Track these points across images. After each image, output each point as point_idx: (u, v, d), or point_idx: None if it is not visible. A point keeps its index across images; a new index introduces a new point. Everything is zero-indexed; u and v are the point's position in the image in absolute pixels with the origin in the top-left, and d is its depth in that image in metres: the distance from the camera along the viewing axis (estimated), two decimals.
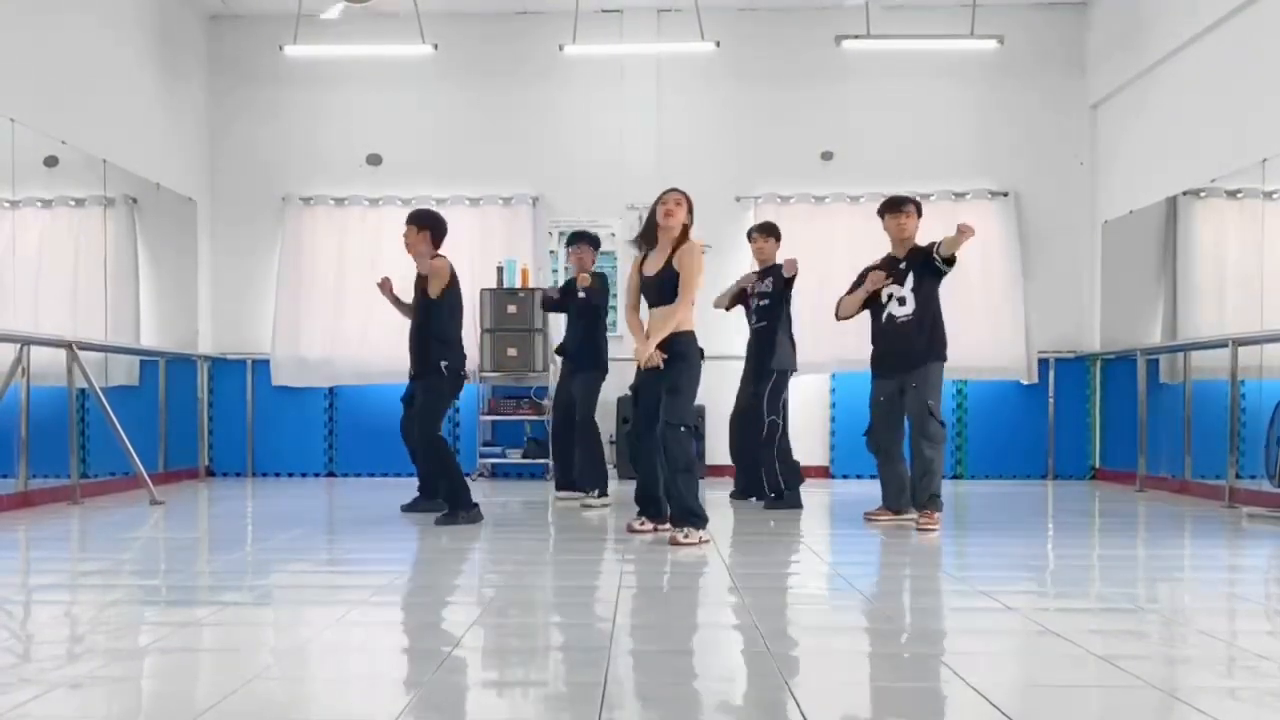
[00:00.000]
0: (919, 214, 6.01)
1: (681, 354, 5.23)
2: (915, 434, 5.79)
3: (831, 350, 8.97)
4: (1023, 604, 3.68)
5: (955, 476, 9.35)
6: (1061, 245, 9.50)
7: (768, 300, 6.79)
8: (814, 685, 2.68)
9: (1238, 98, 7.23)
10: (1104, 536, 5.84)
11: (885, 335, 5.93)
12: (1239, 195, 7.35)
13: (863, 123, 9.53)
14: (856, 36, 8.42)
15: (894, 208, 5.98)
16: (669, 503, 5.32)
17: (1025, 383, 9.32)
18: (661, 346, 5.21)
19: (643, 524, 5.54)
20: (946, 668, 2.79)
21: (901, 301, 5.86)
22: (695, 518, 5.17)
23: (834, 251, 9.16)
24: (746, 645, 3.06)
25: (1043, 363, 9.39)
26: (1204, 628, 3.34)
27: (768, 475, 6.73)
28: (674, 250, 5.26)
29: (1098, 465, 9.38)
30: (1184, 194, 7.92)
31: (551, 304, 7.51)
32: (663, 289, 5.27)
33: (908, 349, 5.83)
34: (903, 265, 5.91)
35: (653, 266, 5.35)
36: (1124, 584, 4.24)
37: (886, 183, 9.34)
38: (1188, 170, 7.81)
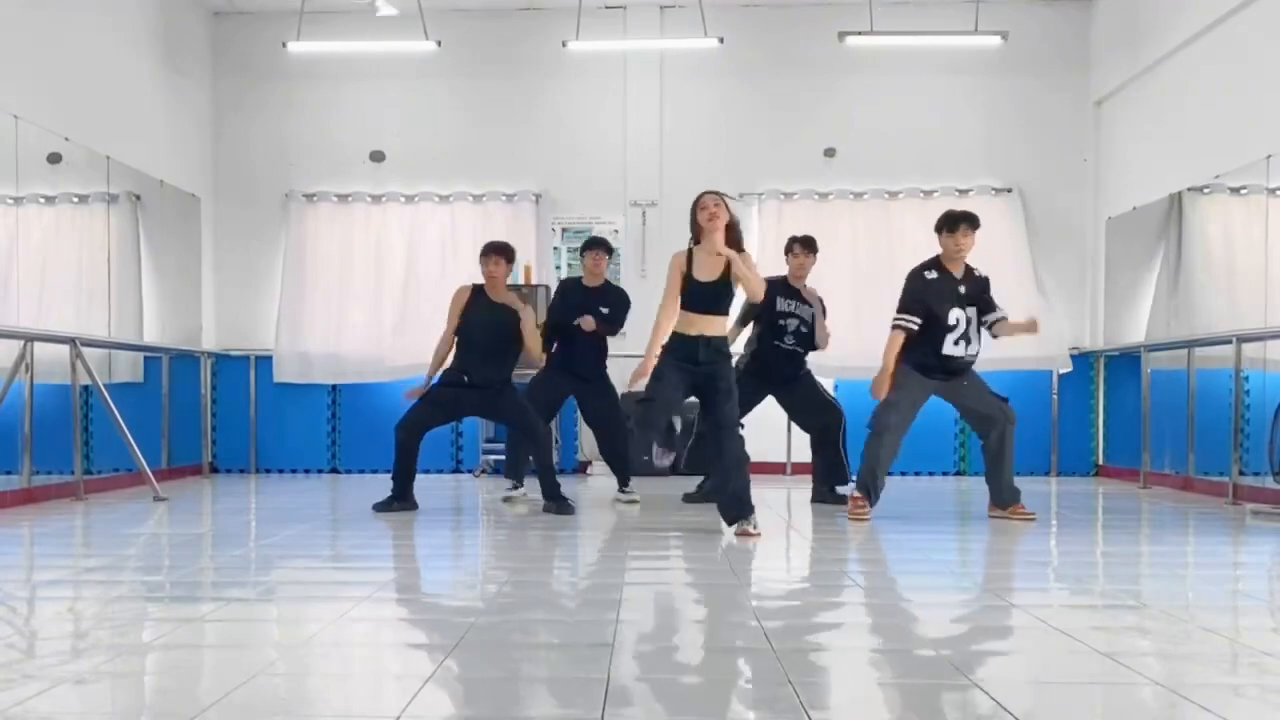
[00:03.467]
0: (973, 228, 5.85)
1: (729, 355, 5.45)
2: (999, 426, 5.81)
3: (835, 357, 8.94)
4: (1026, 601, 3.67)
5: (959, 473, 9.35)
6: (1065, 241, 9.49)
7: (808, 328, 6.65)
8: (817, 682, 2.68)
9: (1242, 94, 7.22)
10: (1107, 533, 5.84)
11: (949, 363, 5.81)
12: (1243, 191, 7.34)
13: (866, 119, 9.51)
14: (860, 33, 8.41)
15: (950, 227, 5.82)
16: (731, 496, 5.30)
17: (1062, 371, 9.29)
18: (714, 349, 5.31)
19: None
20: (950, 665, 2.79)
21: (968, 340, 5.80)
22: (749, 508, 5.29)
23: (837, 249, 9.14)
24: (750, 642, 3.06)
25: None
26: (1208, 625, 3.34)
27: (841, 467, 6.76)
28: (727, 259, 5.25)
29: (1101, 462, 9.38)
30: (1188, 190, 7.90)
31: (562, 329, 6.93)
32: (720, 297, 5.32)
33: (955, 371, 5.87)
34: (963, 290, 5.82)
35: (706, 273, 5.29)
36: (1127, 581, 4.23)
37: (890, 180, 9.36)
38: (1192, 166, 7.79)
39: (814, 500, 6.87)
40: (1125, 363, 8.88)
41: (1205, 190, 7.74)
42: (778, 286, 6.63)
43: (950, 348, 5.79)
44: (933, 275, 5.85)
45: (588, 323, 6.58)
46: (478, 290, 6.48)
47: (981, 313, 5.87)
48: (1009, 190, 9.41)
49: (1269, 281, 6.89)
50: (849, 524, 5.79)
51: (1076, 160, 9.49)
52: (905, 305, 5.85)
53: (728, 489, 5.30)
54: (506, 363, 6.43)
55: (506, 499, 6.88)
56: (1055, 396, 9.39)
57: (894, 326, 5.84)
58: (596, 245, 6.90)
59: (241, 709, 2.39)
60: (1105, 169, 9.33)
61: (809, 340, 6.68)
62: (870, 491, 5.92)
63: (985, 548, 5.15)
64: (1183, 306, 8.02)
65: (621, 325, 6.86)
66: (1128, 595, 3.86)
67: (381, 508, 6.36)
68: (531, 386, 6.87)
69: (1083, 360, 9.43)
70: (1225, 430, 7.10)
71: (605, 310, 6.74)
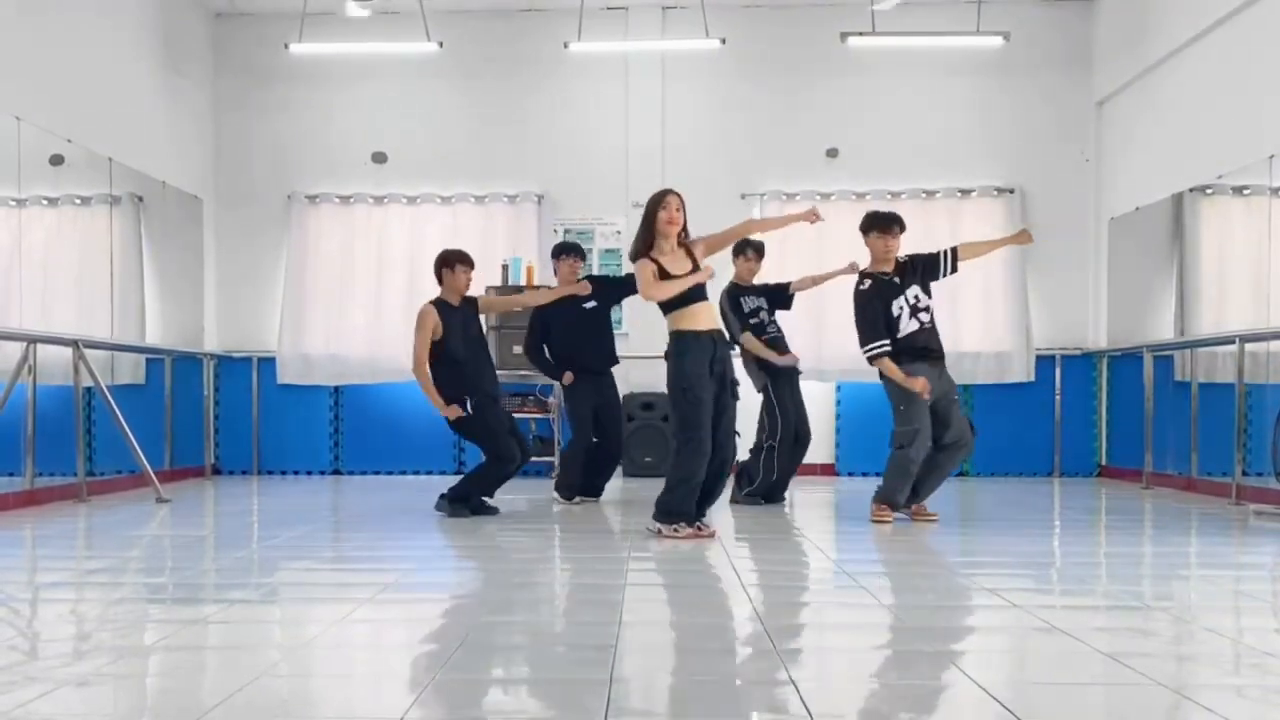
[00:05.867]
0: (902, 231, 5.94)
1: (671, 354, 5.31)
2: (960, 443, 5.81)
3: (835, 360, 8.94)
4: (1028, 601, 3.67)
5: (961, 474, 9.33)
6: (1068, 242, 9.47)
7: (769, 313, 6.81)
8: (819, 682, 2.67)
9: (1245, 93, 7.21)
10: (1110, 534, 5.84)
11: (917, 339, 5.80)
12: (1246, 192, 7.34)
13: (868, 120, 9.51)
14: (862, 34, 8.40)
15: (884, 227, 5.87)
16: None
17: (1021, 381, 9.29)
18: (724, 346, 5.33)
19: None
20: (952, 665, 2.79)
21: (925, 310, 5.81)
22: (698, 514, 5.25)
23: (838, 249, 9.10)
24: (752, 642, 3.06)
25: (1049, 360, 9.37)
26: (1210, 625, 3.33)
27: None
28: (689, 250, 5.29)
29: (1103, 462, 9.37)
30: (1190, 191, 7.90)
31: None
32: (702, 289, 5.27)
33: (939, 350, 5.86)
34: (899, 280, 5.84)
35: (679, 266, 5.25)
36: (1130, 581, 4.23)
37: (892, 180, 9.34)
38: (1194, 167, 7.79)
39: (732, 500, 6.76)
40: (1128, 363, 8.87)
41: (1208, 190, 7.74)
42: (737, 290, 6.76)
43: (905, 326, 5.80)
44: (867, 285, 5.90)
45: (584, 287, 6.69)
46: (442, 304, 6.33)
47: (926, 280, 5.85)
48: (1011, 191, 9.40)
49: (1271, 281, 6.89)
50: (850, 525, 5.78)
51: (1078, 160, 9.48)
52: (871, 333, 5.83)
53: (712, 491, 5.28)
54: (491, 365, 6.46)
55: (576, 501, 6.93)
56: (1058, 397, 9.38)
57: (874, 359, 5.83)
58: (571, 251, 7.03)
59: (244, 710, 2.39)
60: (1107, 169, 9.32)
61: (777, 304, 6.85)
62: (892, 503, 5.85)
63: (987, 548, 5.14)
64: (1185, 306, 8.02)
65: (624, 286, 6.88)
66: (1130, 596, 3.86)
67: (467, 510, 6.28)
68: (571, 410, 6.99)
69: (1085, 361, 9.42)
70: (1228, 430, 7.09)
71: (593, 304, 6.85)
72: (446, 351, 6.19)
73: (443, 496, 6.22)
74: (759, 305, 6.76)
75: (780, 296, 6.89)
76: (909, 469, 5.75)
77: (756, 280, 6.91)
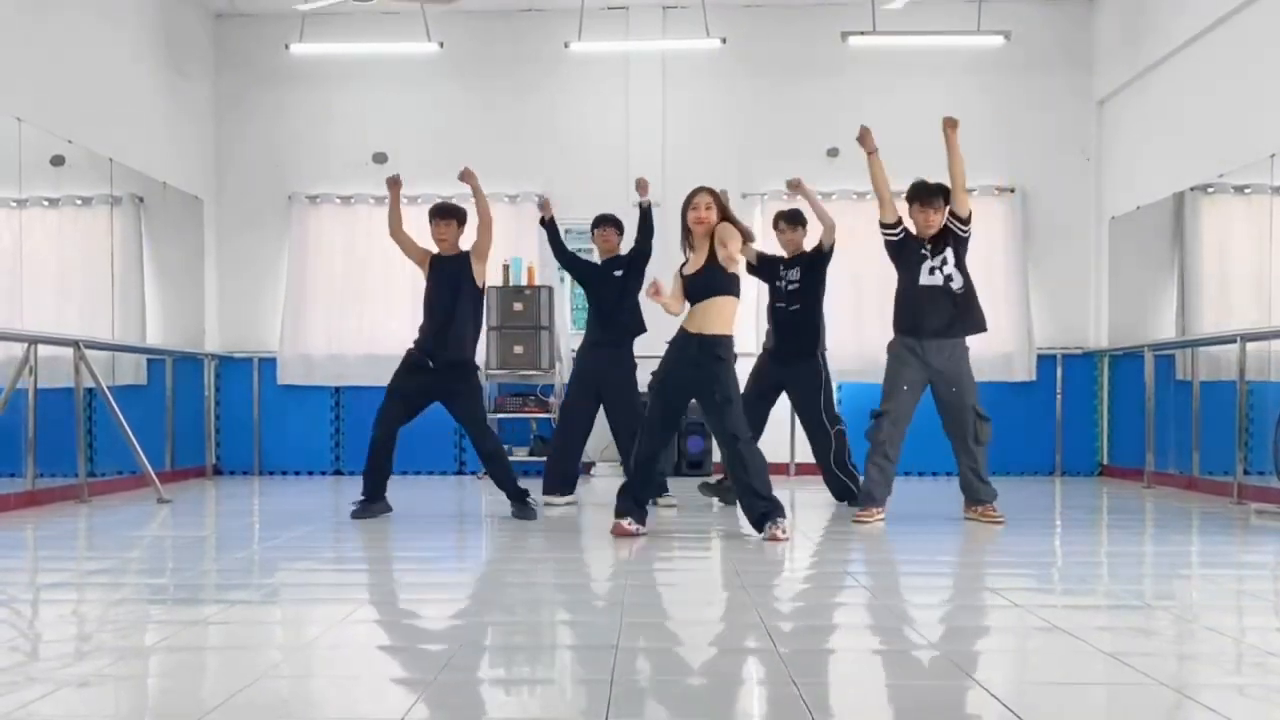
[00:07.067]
0: (946, 203, 5.99)
1: (724, 359, 5.25)
2: (963, 438, 5.82)
3: (835, 361, 8.90)
4: (1029, 600, 3.67)
5: None
6: (1068, 242, 9.47)
7: (796, 284, 6.69)
8: (820, 682, 2.67)
9: (1246, 92, 7.21)
10: (1111, 533, 5.84)
11: (927, 297, 5.78)
12: (1247, 191, 7.33)
13: (869, 119, 9.38)
14: (862, 33, 8.40)
15: (925, 199, 5.96)
16: (751, 508, 5.22)
17: (1023, 380, 9.29)
18: (706, 350, 5.19)
19: (631, 524, 5.27)
20: (953, 665, 2.79)
21: (950, 277, 5.81)
22: (777, 510, 5.16)
23: (839, 249, 9.10)
24: (753, 643, 3.06)
25: (1050, 359, 9.37)
26: (1212, 624, 3.33)
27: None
28: (710, 246, 5.27)
29: (1105, 462, 9.36)
30: (1191, 190, 7.89)
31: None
32: (707, 285, 5.25)
33: (950, 318, 5.81)
34: (929, 246, 5.88)
35: (691, 266, 5.32)
36: (1132, 580, 4.23)
37: (892, 180, 9.24)
38: (1195, 166, 7.78)
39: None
40: (1129, 362, 8.87)
41: (1209, 189, 7.74)
42: (779, 262, 6.73)
43: (926, 277, 5.83)
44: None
45: (546, 208, 7.01)
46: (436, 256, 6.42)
47: (955, 248, 5.91)
48: (1011, 190, 9.40)
49: (1272, 280, 6.89)
50: (850, 525, 5.78)
51: (1079, 160, 9.47)
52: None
53: (754, 494, 5.17)
54: (463, 334, 6.31)
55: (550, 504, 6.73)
56: (1059, 396, 9.38)
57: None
58: (604, 222, 6.97)
59: (245, 711, 2.39)
60: (1108, 168, 9.32)
61: (808, 295, 6.67)
62: (873, 500, 5.83)
63: (987, 547, 5.14)
64: (1187, 305, 8.02)
65: (645, 251, 6.79)
66: (1132, 595, 3.86)
67: (359, 514, 6.24)
68: (562, 416, 6.89)
69: (1087, 360, 9.42)
70: (1230, 429, 7.09)
71: (619, 272, 6.78)
72: (426, 297, 6.43)
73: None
74: (785, 273, 6.68)
75: (816, 259, 6.76)
76: (879, 449, 5.80)
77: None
